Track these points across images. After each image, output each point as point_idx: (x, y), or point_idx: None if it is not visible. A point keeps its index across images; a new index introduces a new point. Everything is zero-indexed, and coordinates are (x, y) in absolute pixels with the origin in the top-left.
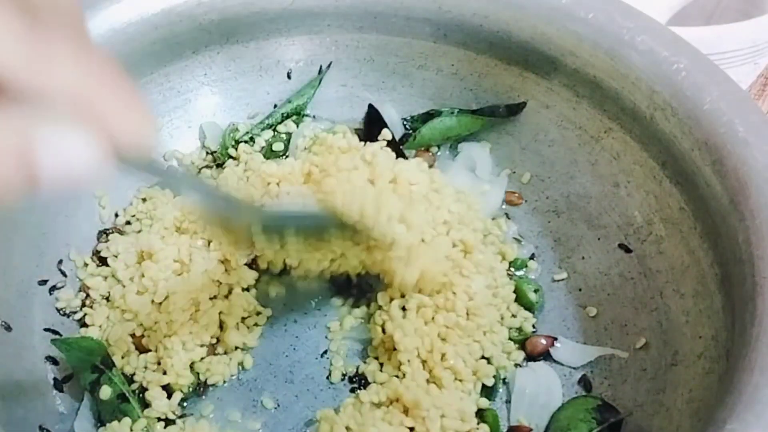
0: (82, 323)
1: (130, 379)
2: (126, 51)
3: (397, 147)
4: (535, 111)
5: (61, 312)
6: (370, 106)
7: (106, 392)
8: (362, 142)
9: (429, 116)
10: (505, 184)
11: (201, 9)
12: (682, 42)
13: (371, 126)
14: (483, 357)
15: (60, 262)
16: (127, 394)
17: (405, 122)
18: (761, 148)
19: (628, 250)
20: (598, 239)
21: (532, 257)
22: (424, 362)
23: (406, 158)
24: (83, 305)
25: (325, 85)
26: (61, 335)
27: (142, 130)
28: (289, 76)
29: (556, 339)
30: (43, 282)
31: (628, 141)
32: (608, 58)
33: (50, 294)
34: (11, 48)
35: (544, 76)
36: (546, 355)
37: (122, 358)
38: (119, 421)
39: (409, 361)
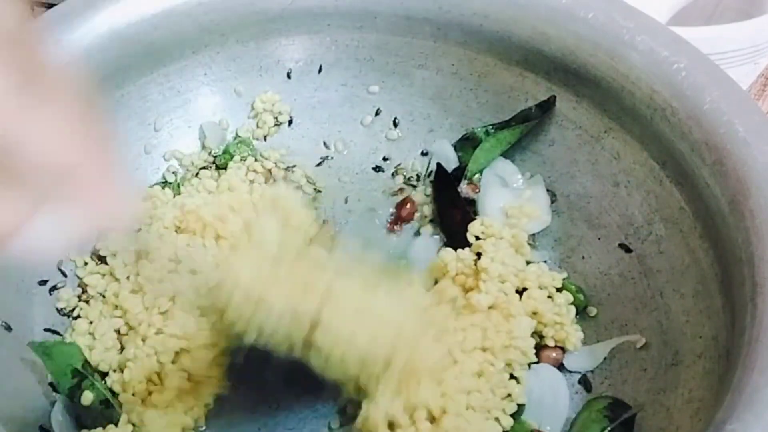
0: (75, 316)
1: (103, 375)
2: (126, 51)
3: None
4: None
5: (61, 312)
6: (439, 165)
7: (88, 398)
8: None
9: (466, 141)
10: (541, 181)
11: (201, 9)
12: (682, 42)
13: (443, 190)
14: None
15: (60, 262)
16: (111, 400)
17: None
18: (761, 148)
19: (628, 250)
20: (598, 239)
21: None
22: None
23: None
24: (79, 299)
25: (325, 85)
26: (62, 335)
27: (121, 211)
28: (289, 76)
29: (563, 349)
30: (43, 282)
31: (628, 141)
32: (608, 58)
33: (50, 294)
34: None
35: (544, 76)
36: (560, 366)
37: (105, 350)
38: (104, 427)
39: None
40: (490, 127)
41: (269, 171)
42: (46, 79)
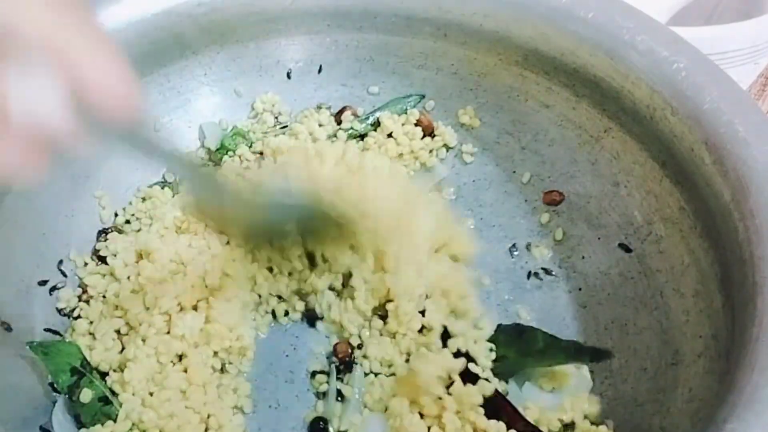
0: (76, 316)
1: (103, 375)
2: (126, 51)
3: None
4: (534, 111)
5: (61, 312)
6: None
7: (87, 395)
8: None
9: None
10: None
11: (201, 9)
12: (682, 42)
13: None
14: None
15: (60, 262)
16: (110, 397)
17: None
18: (761, 147)
19: (628, 250)
20: (598, 239)
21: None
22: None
23: None
24: (79, 300)
25: (325, 85)
26: (62, 335)
27: (120, 87)
28: (289, 76)
29: None
30: (43, 282)
31: (627, 140)
32: (608, 58)
33: (50, 294)
34: None
35: (544, 75)
36: None
37: (105, 350)
38: (102, 424)
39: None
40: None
41: (260, 153)
42: None
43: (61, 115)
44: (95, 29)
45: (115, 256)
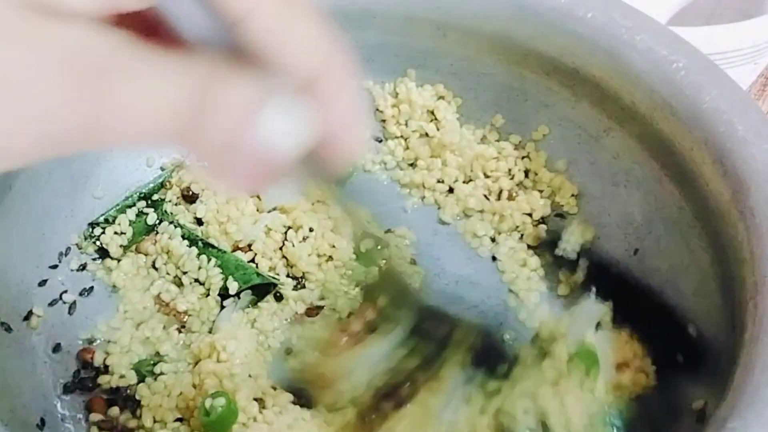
0: None
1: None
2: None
3: None
4: (534, 110)
5: None
6: None
7: None
8: None
9: None
10: None
11: None
12: (681, 41)
13: None
14: None
15: (59, 262)
16: None
17: None
18: (761, 147)
19: (627, 250)
20: (598, 238)
21: None
22: None
23: None
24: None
25: None
26: None
27: (356, 134)
28: None
29: None
30: (43, 282)
31: (627, 140)
32: (607, 58)
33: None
34: None
35: (544, 75)
36: None
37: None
38: None
39: None
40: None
41: None
42: None
43: (296, 148)
44: (348, 72)
45: (117, 260)
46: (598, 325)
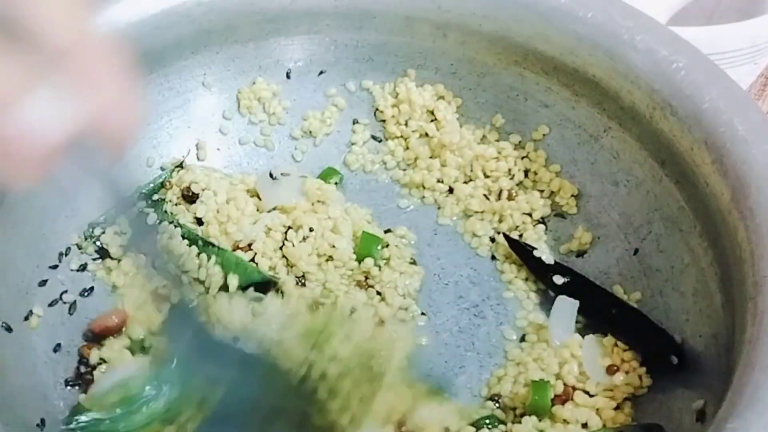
0: None
1: None
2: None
3: None
4: (534, 110)
5: None
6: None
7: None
8: None
9: None
10: None
11: (201, 9)
12: (681, 41)
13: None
14: None
15: (59, 261)
16: None
17: None
18: (761, 146)
19: (627, 249)
20: (598, 238)
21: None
22: None
23: None
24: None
25: (325, 85)
26: None
27: (126, 115)
28: (288, 76)
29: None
30: (43, 282)
31: (627, 140)
32: (607, 58)
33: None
34: None
35: (544, 75)
36: None
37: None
38: None
39: None
40: None
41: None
42: None
43: (64, 138)
44: (120, 61)
45: (118, 261)
46: (584, 330)
